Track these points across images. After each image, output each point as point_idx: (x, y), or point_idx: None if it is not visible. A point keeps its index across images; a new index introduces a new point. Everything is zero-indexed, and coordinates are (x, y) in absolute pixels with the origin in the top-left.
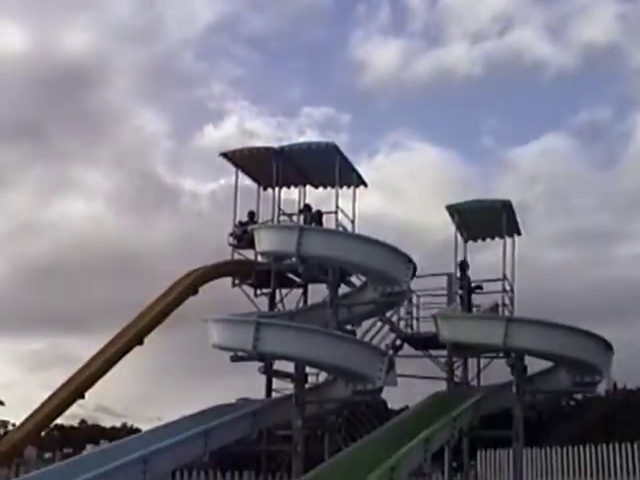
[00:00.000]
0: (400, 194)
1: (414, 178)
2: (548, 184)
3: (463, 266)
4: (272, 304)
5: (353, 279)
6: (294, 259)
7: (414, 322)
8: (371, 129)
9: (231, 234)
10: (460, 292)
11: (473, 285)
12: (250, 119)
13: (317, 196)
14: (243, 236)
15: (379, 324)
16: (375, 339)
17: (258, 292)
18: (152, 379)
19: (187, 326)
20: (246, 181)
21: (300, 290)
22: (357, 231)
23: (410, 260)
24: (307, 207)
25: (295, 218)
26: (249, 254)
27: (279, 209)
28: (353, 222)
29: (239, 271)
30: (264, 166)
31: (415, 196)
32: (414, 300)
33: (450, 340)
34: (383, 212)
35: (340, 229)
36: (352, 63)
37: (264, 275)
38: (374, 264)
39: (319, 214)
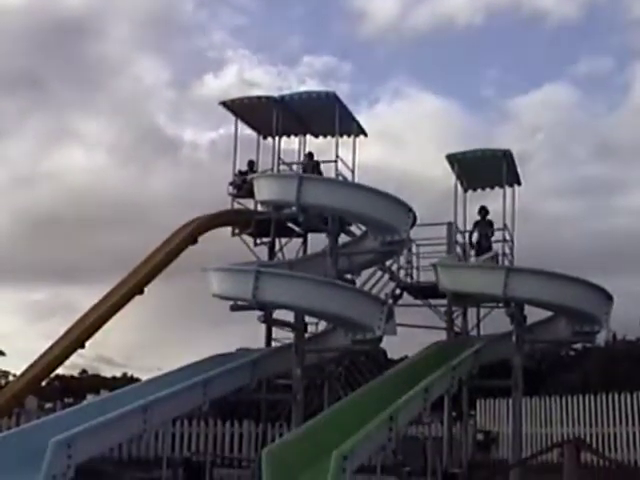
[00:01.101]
0: (400, 144)
1: (415, 128)
2: (548, 134)
3: (482, 212)
4: (272, 253)
5: (353, 228)
6: (294, 208)
7: (414, 271)
8: (372, 79)
9: (231, 183)
10: (475, 237)
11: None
12: (250, 68)
13: (317, 145)
14: (243, 185)
15: (379, 273)
16: (375, 288)
17: (258, 241)
18: (152, 329)
19: (187, 276)
20: (246, 130)
21: (300, 239)
22: (357, 181)
23: (410, 209)
24: (310, 156)
25: (295, 167)
26: (249, 203)
27: (279, 158)
28: (353, 172)
29: (239, 220)
30: (264, 115)
31: (415, 146)
32: (414, 249)
33: (450, 289)
34: (383, 162)
35: (340, 178)
36: (352, 12)
37: (264, 224)
38: (374, 213)
39: (317, 163)
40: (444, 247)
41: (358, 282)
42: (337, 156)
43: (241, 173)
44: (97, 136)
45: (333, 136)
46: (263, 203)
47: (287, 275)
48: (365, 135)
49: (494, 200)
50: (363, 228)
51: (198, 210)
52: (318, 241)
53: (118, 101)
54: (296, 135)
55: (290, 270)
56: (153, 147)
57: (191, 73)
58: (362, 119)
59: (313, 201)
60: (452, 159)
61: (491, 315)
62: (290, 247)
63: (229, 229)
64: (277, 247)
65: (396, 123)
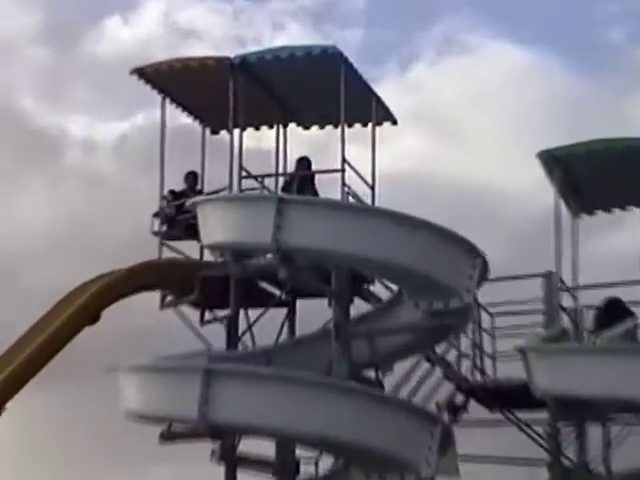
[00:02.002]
0: (457, 133)
1: (483, 103)
2: None
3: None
4: (232, 337)
5: (376, 289)
6: (270, 256)
7: (486, 361)
8: (403, 21)
9: (156, 215)
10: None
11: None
12: (185, 5)
13: (308, 143)
14: (177, 217)
15: (425, 367)
16: (418, 395)
17: (207, 316)
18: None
19: (79, 380)
20: (181, 118)
21: (283, 310)
22: (379, 203)
23: (477, 252)
24: (304, 163)
25: (270, 182)
26: (189, 249)
27: (240, 168)
28: (373, 188)
29: (172, 280)
30: (212, 91)
31: (482, 137)
32: (485, 322)
33: (553, 392)
34: (426, 167)
35: (350, 201)
36: None
37: (217, 286)
38: (412, 262)
39: (310, 176)
40: (539, 317)
41: (388, 384)
42: (344, 160)
43: (175, 195)
44: None
45: (336, 126)
46: (214, 248)
47: (260, 376)
48: (393, 122)
49: (629, 230)
50: (394, 288)
51: (99, 263)
52: (314, 313)
53: None
54: (271, 126)
55: (267, 366)
56: (15, 150)
57: (80, 18)
58: (387, 93)
59: (303, 242)
60: (551, 159)
61: (631, 437)
62: (265, 324)
63: (156, 295)
64: (242, 325)
65: (449, 96)
